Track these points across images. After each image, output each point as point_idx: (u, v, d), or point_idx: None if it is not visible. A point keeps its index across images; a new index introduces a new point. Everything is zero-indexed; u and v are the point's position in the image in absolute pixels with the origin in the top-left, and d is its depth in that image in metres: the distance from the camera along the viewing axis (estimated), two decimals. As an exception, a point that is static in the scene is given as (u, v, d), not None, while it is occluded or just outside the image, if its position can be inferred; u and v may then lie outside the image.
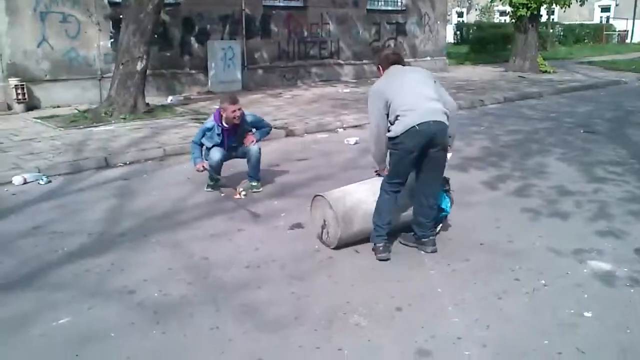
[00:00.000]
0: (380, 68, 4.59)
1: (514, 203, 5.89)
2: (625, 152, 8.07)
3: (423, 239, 4.61)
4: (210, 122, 6.04)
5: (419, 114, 4.20)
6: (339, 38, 16.64)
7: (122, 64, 10.25)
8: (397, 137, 4.23)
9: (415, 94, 4.29)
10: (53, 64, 11.52)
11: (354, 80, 16.52)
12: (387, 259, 4.49)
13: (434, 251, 4.57)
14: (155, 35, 12.17)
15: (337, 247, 4.63)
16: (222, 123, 5.95)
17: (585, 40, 36.39)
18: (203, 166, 6.01)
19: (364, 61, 17.31)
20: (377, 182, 4.66)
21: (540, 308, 3.74)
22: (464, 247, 4.70)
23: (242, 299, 3.88)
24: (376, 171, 4.84)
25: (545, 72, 18.60)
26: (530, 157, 7.79)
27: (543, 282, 4.10)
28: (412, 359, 3.20)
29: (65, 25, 11.62)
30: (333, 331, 3.48)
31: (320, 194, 4.81)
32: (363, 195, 4.70)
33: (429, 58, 19.25)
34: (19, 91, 10.89)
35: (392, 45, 17.74)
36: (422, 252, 4.61)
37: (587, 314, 3.66)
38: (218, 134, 5.98)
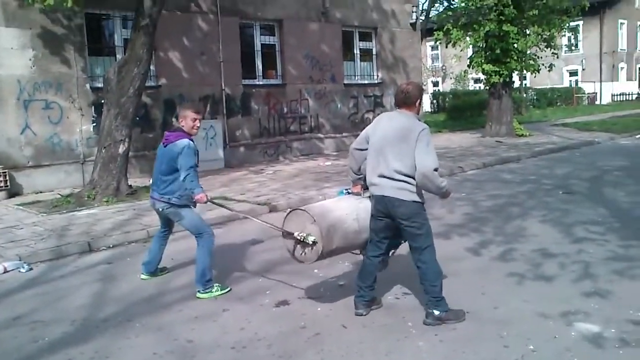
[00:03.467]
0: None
1: (498, 268, 5.91)
2: (604, 211, 8.19)
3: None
4: (188, 145, 5.37)
5: (371, 184, 4.55)
6: (318, 112, 16.98)
7: (105, 147, 10.34)
8: None
9: (376, 159, 4.52)
10: (36, 150, 11.61)
11: (334, 153, 16.75)
12: (362, 314, 4.76)
13: (425, 323, 4.55)
14: (137, 118, 12.38)
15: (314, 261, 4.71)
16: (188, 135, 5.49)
17: (558, 103, 37.53)
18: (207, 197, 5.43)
19: (344, 134, 17.60)
20: (353, 200, 4.86)
21: (531, 375, 3.71)
22: (451, 316, 4.68)
23: (229, 382, 3.81)
24: (346, 189, 5.12)
25: (522, 135, 19.01)
26: (511, 221, 7.87)
27: (531, 347, 4.08)
28: None
29: (48, 112, 11.79)
30: (323, 411, 3.41)
31: (301, 208, 4.84)
32: (343, 214, 4.71)
33: (407, 128, 19.56)
34: (1, 178, 10.90)
35: (376, 113, 18.11)
36: (409, 323, 4.59)
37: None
38: (196, 150, 5.49)
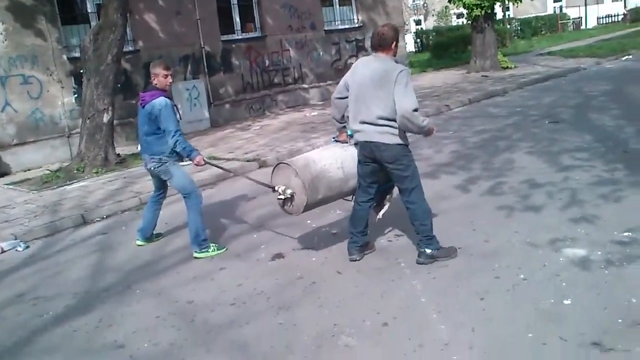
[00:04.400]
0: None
1: (487, 203, 6.01)
2: (589, 137, 8.25)
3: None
4: (163, 102, 5.40)
5: (354, 131, 4.62)
6: (300, 62, 16.80)
7: (88, 118, 10.26)
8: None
9: (357, 106, 4.55)
10: (19, 127, 11.49)
11: (320, 103, 16.64)
12: (356, 260, 4.86)
13: (418, 262, 4.65)
14: (119, 85, 12.23)
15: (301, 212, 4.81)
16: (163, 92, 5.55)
17: (543, 32, 37.10)
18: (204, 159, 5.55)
19: (328, 82, 17.44)
20: (338, 149, 4.96)
21: (522, 302, 3.84)
22: (443, 254, 4.78)
23: (232, 336, 3.92)
24: (334, 137, 5.17)
25: (507, 68, 18.88)
26: (498, 155, 7.93)
27: (522, 276, 4.20)
28: (402, 372, 3.26)
29: (26, 87, 11.61)
30: (323, 356, 3.53)
31: (285, 161, 4.91)
32: (327, 163, 4.80)
33: (391, 70, 19.44)
34: (-14, 159, 10.87)
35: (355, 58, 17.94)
36: (402, 264, 4.69)
37: (567, 302, 3.76)
38: (174, 105, 5.54)
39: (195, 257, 5.52)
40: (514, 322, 3.60)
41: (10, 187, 9.88)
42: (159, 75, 5.54)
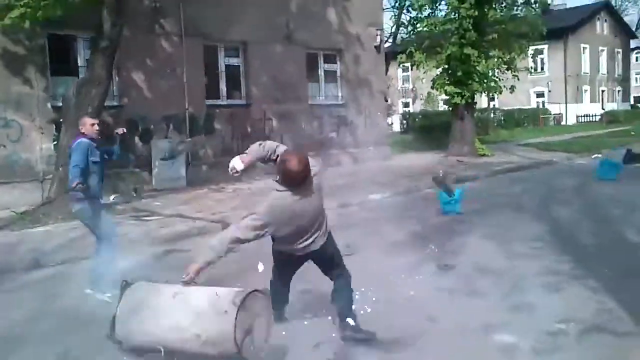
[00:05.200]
0: None
1: (432, 283, 6.10)
2: (546, 228, 8.46)
3: None
4: (78, 142, 6.02)
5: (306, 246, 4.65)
6: (282, 133, 17.15)
7: (62, 166, 10.35)
8: None
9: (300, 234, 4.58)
10: (-7, 168, 11.59)
11: (298, 172, 16.89)
12: None
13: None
14: (99, 137, 12.42)
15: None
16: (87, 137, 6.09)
17: (525, 124, 38.27)
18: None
19: (308, 152, 17.74)
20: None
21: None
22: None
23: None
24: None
25: (484, 155, 19.41)
26: (454, 238, 8.08)
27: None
28: None
29: (7, 130, 11.79)
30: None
31: (259, 290, 4.19)
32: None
33: (371, 147, 19.88)
34: (-42, 196, 10.88)
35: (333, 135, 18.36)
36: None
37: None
38: (95, 147, 6.11)
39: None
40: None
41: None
42: (87, 124, 6.13)
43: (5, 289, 6.47)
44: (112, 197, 12.35)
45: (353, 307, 4.72)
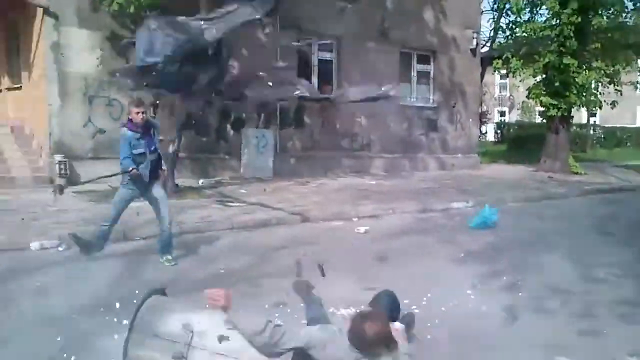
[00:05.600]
0: None
1: (500, 296, 6.03)
2: (632, 256, 8.09)
3: None
4: (123, 132, 6.63)
5: None
6: (370, 131, 17.25)
7: (154, 142, 10.94)
8: None
9: None
10: (96, 143, 12.38)
11: (383, 173, 16.97)
12: None
13: None
14: (193, 122, 13.03)
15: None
16: (134, 126, 6.57)
17: (627, 144, 36.27)
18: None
19: (395, 155, 17.81)
20: None
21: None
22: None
23: None
24: None
25: (577, 173, 18.66)
26: (531, 255, 7.86)
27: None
28: None
29: (109, 109, 12.57)
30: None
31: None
32: None
33: (460, 155, 19.66)
34: (62, 167, 11.71)
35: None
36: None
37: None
38: (137, 139, 6.60)
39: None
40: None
41: (75, 195, 10.62)
42: (132, 112, 6.57)
43: (92, 257, 6.96)
44: (200, 181, 12.93)
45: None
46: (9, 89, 14.50)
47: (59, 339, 3.34)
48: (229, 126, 14.56)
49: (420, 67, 18.53)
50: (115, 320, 4.86)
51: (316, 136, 16.16)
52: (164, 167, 7.14)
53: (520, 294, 6.18)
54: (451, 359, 4.51)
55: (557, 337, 4.96)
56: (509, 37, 21.32)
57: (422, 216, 10.23)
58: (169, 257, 6.82)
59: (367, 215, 10.36)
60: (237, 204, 10.59)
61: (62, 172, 11.74)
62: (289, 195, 12.05)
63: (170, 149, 10.97)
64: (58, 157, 11.72)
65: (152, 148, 6.75)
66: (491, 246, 8.36)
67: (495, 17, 24.81)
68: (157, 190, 6.96)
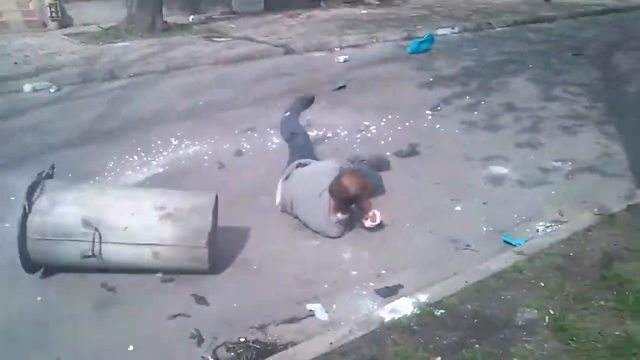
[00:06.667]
0: None
1: (457, 115, 6.52)
2: (597, 75, 8.41)
3: None
4: None
5: None
6: (364, -41, 16.74)
7: (141, -17, 10.98)
8: None
9: None
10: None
11: (376, 2, 16.71)
12: None
13: None
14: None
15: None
16: None
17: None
18: None
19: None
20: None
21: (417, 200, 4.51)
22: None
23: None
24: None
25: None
26: (500, 77, 8.21)
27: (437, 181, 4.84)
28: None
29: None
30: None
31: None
32: None
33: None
34: (53, 9, 11.80)
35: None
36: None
37: (457, 208, 4.40)
38: None
39: None
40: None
41: (66, 37, 10.90)
42: None
43: (81, 96, 7.45)
44: (190, 18, 13.01)
45: None
46: None
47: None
48: (215, -42, 14.26)
49: None
50: (100, 149, 5.50)
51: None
52: None
53: (476, 112, 6.66)
54: (397, 168, 5.08)
55: (497, 150, 5.51)
56: None
57: (404, 44, 10.39)
58: None
59: (350, 45, 10.56)
60: (224, 39, 10.80)
61: (54, 14, 11.84)
62: (276, 27, 12.17)
63: (156, -17, 10.99)
64: (48, 0, 11.75)
65: None
66: (465, 70, 8.68)
67: None
68: None
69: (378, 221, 3.90)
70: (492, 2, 16.42)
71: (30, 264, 3.31)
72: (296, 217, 4.14)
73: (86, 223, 3.22)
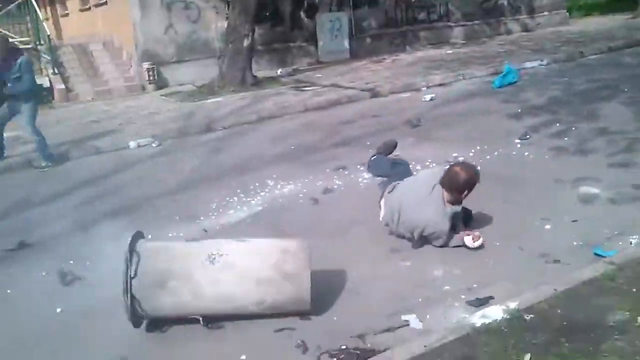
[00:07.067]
0: None
1: (547, 143, 6.39)
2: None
3: None
4: None
5: None
6: (448, 1, 16.97)
7: (231, 42, 11.69)
8: None
9: None
10: (178, 47, 13.26)
11: (462, 42, 16.80)
12: None
13: None
14: (267, 14, 13.56)
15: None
16: None
17: None
18: None
19: (475, 22, 17.51)
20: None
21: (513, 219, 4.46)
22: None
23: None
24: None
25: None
26: (592, 103, 7.94)
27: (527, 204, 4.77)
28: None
29: (187, 12, 13.31)
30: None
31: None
32: None
33: (546, 13, 18.93)
34: (150, 73, 12.77)
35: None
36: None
37: (547, 226, 4.32)
38: None
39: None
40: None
41: (163, 97, 11.73)
42: None
43: (181, 148, 7.98)
44: (278, 71, 13.62)
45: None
46: (96, 5, 15.48)
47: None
48: (302, 13, 14.91)
49: None
50: (203, 194, 5.86)
51: (391, 13, 16.17)
52: None
53: (566, 138, 6.50)
54: (487, 195, 5.04)
55: (587, 172, 5.34)
56: None
57: (490, 79, 10.35)
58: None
59: (435, 84, 10.66)
60: (312, 88, 11.20)
61: (151, 77, 12.78)
62: (362, 73, 12.48)
63: (245, 43, 11.58)
64: (146, 65, 12.71)
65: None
66: (554, 100, 8.52)
67: None
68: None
69: (481, 242, 4.01)
70: (585, 30, 16.08)
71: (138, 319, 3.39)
72: (397, 232, 4.32)
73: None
